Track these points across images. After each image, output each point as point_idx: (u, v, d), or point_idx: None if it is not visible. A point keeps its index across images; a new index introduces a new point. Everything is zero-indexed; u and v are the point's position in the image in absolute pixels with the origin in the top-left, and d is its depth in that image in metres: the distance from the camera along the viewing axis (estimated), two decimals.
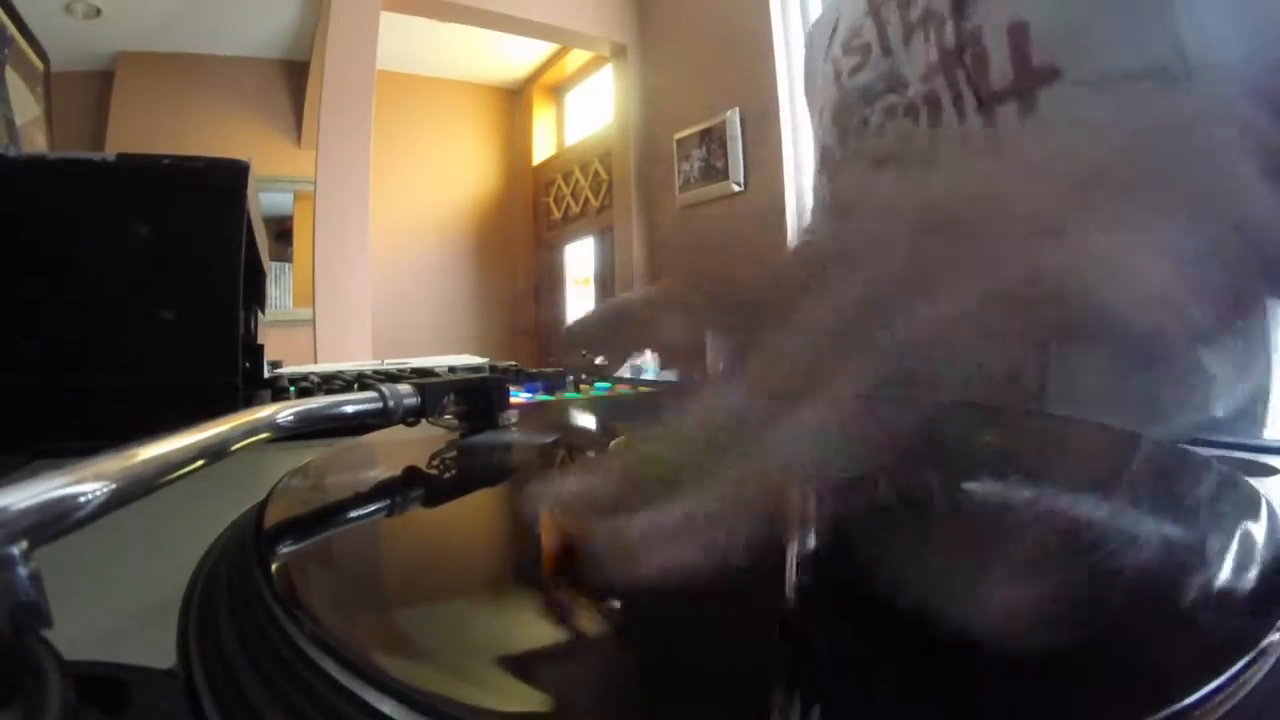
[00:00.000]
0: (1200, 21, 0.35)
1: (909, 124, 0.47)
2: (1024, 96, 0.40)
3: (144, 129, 2.86)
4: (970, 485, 0.21)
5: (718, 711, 0.10)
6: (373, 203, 2.50)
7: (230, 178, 0.46)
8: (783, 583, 0.16)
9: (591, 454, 0.30)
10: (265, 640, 0.12)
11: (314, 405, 0.24)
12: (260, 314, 0.70)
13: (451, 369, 0.74)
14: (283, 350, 1.30)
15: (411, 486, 0.23)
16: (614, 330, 0.34)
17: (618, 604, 0.13)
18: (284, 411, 0.22)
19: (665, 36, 2.91)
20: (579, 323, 0.32)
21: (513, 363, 0.83)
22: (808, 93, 0.64)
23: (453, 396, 0.30)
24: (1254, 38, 0.33)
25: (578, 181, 3.81)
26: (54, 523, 0.12)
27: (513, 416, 0.32)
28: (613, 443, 0.28)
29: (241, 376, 0.48)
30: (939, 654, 0.12)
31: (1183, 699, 0.09)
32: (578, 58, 3.74)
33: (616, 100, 3.20)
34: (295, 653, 0.12)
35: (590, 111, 3.82)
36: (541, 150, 4.19)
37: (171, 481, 0.16)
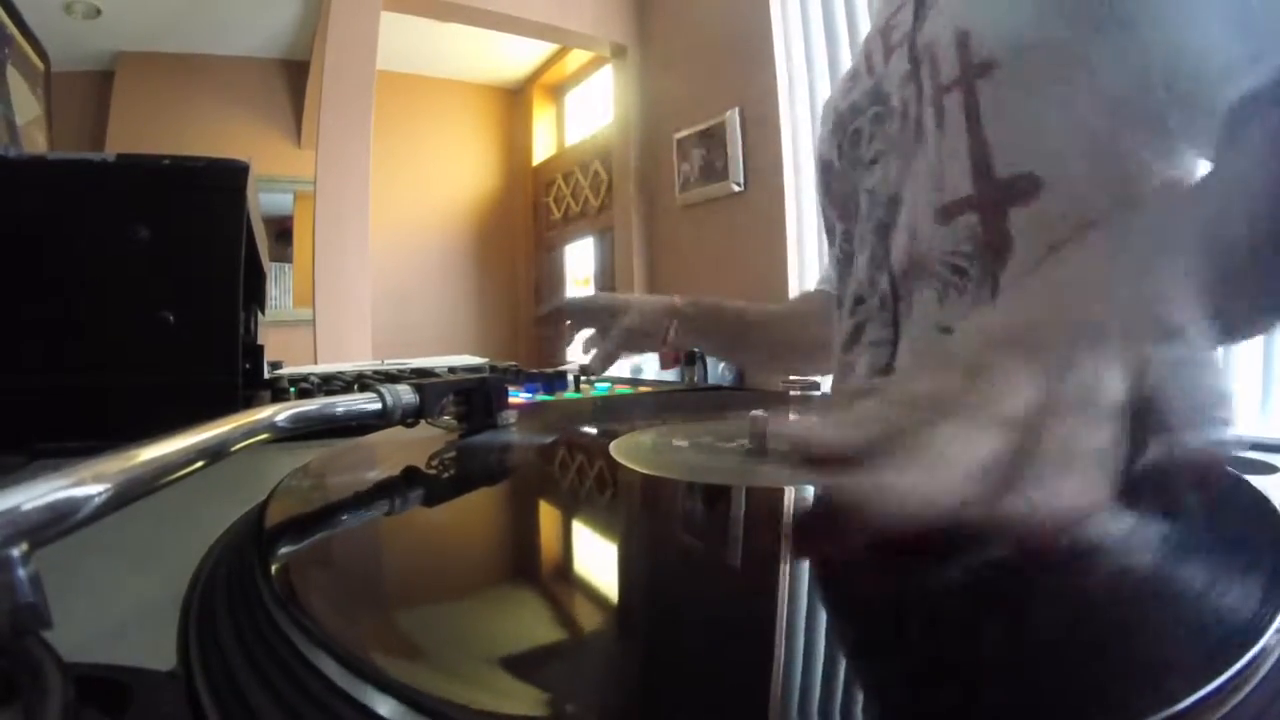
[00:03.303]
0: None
1: (892, 128, 0.55)
2: (966, 86, 0.49)
3: (144, 129, 2.86)
4: None
5: (717, 710, 0.10)
6: (373, 203, 2.50)
7: (230, 178, 0.46)
8: (774, 590, 0.16)
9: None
10: (265, 640, 0.12)
11: (314, 406, 0.24)
12: (260, 314, 0.70)
13: (451, 369, 0.74)
14: (283, 350, 1.30)
15: (411, 486, 0.23)
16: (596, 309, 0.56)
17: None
18: (284, 412, 0.22)
19: (665, 36, 2.91)
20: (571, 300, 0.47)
21: (512, 363, 0.83)
22: (818, 146, 0.71)
23: (452, 397, 0.30)
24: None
25: (578, 181, 3.80)
26: (54, 524, 0.12)
27: (512, 417, 0.32)
28: (614, 443, 0.28)
29: (241, 377, 0.48)
30: (941, 654, 0.12)
31: (1183, 699, 0.09)
32: (578, 58, 3.74)
33: (616, 100, 3.19)
34: (295, 653, 0.12)
35: (590, 111, 3.82)
36: (541, 150, 4.19)
37: (172, 482, 0.16)
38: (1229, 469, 0.21)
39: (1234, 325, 0.36)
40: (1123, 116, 0.44)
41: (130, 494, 0.14)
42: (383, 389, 0.27)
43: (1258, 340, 1.27)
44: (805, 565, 0.17)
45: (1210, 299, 0.25)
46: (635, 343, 0.70)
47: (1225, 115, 0.38)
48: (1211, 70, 0.39)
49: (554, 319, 0.73)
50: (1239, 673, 0.10)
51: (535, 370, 0.70)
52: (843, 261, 0.63)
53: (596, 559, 0.19)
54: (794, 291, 2.20)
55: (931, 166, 0.51)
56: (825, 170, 0.66)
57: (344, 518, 0.20)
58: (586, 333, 0.73)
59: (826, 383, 0.74)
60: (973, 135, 0.48)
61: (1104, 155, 0.44)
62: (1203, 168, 0.44)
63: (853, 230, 0.61)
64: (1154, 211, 0.37)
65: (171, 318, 0.44)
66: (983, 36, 0.48)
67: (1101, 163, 0.45)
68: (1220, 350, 0.45)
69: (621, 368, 0.73)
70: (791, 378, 0.83)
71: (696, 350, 2.43)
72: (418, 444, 0.29)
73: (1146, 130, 0.44)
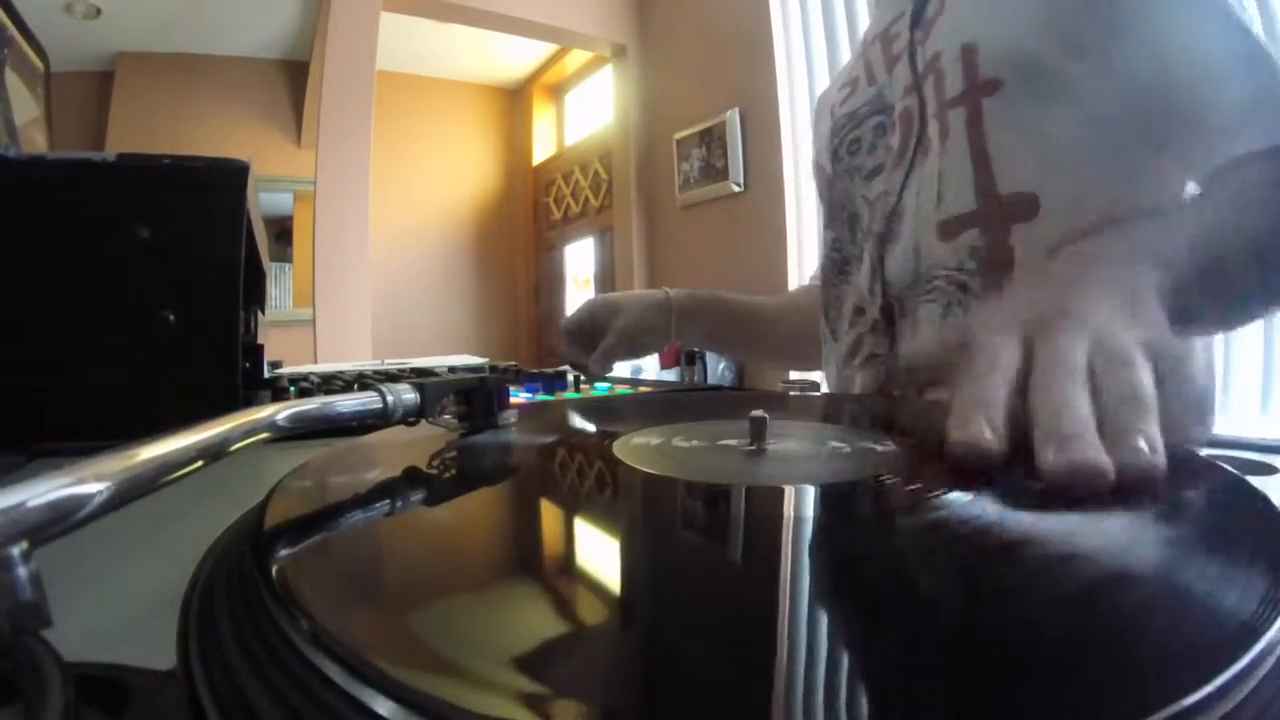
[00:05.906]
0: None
1: (894, 139, 0.55)
2: (971, 104, 0.49)
3: (144, 129, 2.86)
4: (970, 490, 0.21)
5: (719, 709, 0.10)
6: (373, 203, 2.50)
7: (230, 178, 0.46)
8: (776, 582, 0.16)
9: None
10: (265, 640, 0.12)
11: (313, 405, 0.24)
12: (260, 314, 0.70)
13: (451, 369, 0.74)
14: (283, 350, 1.30)
15: (411, 486, 0.23)
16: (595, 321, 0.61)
17: None
18: (284, 412, 0.22)
19: (665, 36, 2.91)
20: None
21: (513, 363, 0.83)
22: (814, 146, 0.71)
23: (452, 396, 0.30)
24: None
25: (578, 181, 3.80)
26: (54, 523, 0.12)
27: (512, 416, 0.32)
28: (616, 442, 0.28)
29: (241, 376, 0.48)
30: (939, 653, 0.12)
31: (1183, 699, 0.09)
32: (578, 58, 3.74)
33: (616, 100, 3.19)
34: (295, 653, 0.12)
35: (590, 111, 3.82)
36: (541, 150, 4.19)
37: (171, 481, 0.16)
38: (1224, 468, 0.21)
39: (1226, 317, 0.42)
40: (1115, 137, 0.46)
41: (130, 493, 0.14)
42: (383, 388, 0.27)
43: (1258, 342, 1.27)
44: (806, 565, 0.17)
45: (1197, 297, 0.30)
46: (634, 343, 0.67)
47: (1221, 163, 0.41)
48: (1210, 122, 0.42)
49: (569, 347, 0.72)
50: (1239, 673, 0.10)
51: (535, 370, 0.70)
52: (829, 269, 0.62)
53: (599, 558, 0.19)
54: None
55: (934, 180, 0.50)
56: (819, 174, 0.66)
57: (344, 517, 0.20)
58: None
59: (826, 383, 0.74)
60: (975, 152, 0.48)
61: (1099, 176, 0.46)
62: (1190, 188, 0.47)
63: (843, 238, 0.60)
64: (1146, 223, 0.40)
65: (171, 318, 0.44)
66: (990, 52, 0.48)
67: (1097, 183, 0.46)
68: (1202, 346, 0.48)
69: (622, 368, 0.72)
70: (792, 378, 0.83)
71: (697, 350, 2.43)
72: (418, 444, 0.29)
73: (1139, 151, 0.46)
